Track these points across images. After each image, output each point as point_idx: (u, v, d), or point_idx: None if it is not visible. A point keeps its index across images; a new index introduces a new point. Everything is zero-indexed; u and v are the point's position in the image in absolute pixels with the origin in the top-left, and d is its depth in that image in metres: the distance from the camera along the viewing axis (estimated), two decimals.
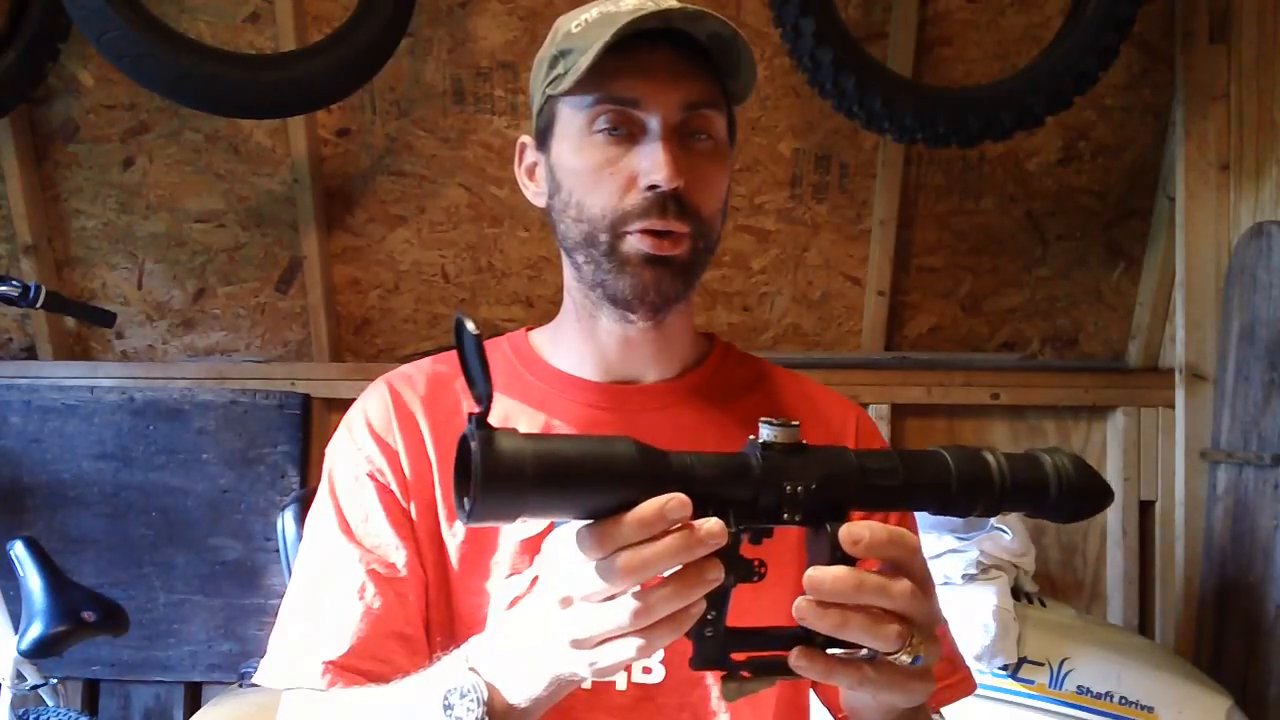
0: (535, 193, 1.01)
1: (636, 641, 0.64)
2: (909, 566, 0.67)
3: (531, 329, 1.05)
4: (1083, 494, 0.70)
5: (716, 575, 0.63)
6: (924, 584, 0.67)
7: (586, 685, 0.68)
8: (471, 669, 0.72)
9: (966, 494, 0.68)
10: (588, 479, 0.62)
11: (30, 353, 2.62)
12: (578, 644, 0.65)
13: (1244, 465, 2.25)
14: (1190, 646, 2.39)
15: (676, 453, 0.66)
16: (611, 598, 0.64)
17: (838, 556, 0.64)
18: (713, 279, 2.56)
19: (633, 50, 0.89)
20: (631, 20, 0.87)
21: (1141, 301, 2.61)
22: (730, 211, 2.68)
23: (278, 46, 2.33)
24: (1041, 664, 1.93)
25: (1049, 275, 2.61)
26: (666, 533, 0.62)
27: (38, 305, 1.96)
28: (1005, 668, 1.91)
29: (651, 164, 0.89)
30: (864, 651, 0.66)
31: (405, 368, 1.02)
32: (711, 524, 0.62)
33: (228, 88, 2.00)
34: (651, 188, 0.90)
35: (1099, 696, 1.91)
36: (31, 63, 2.25)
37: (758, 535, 0.67)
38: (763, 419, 0.67)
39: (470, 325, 0.62)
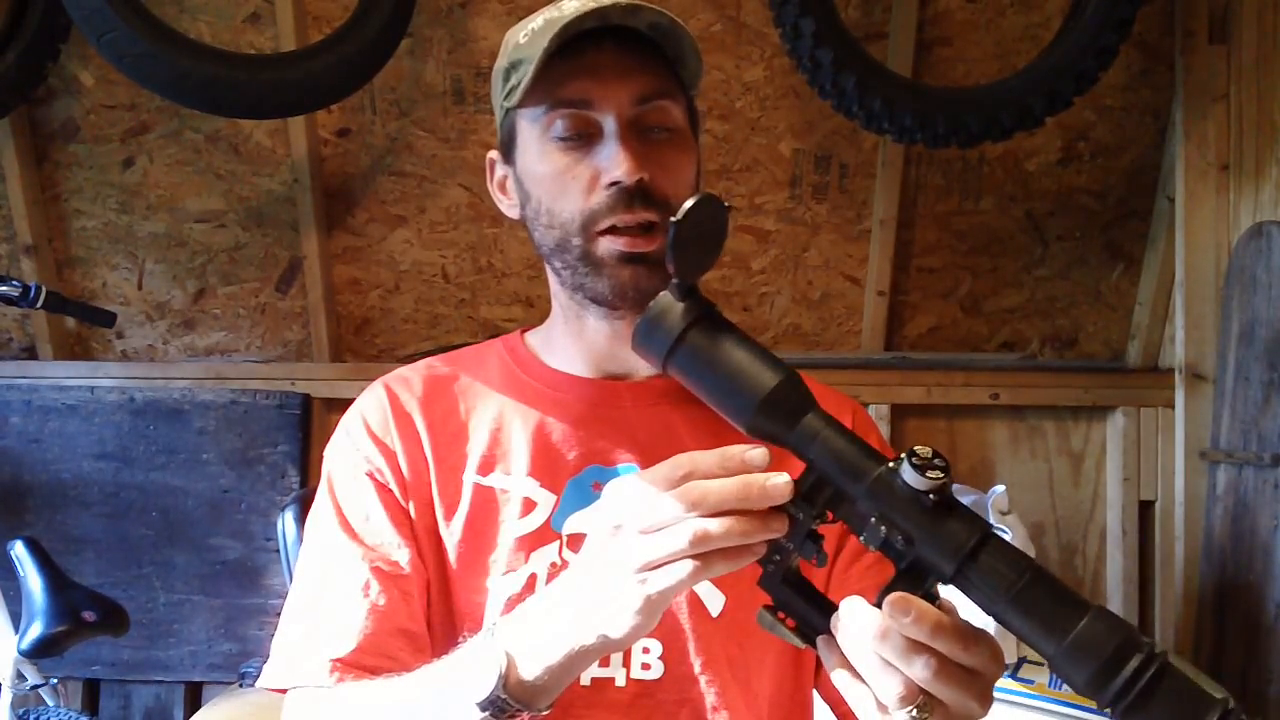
0: (509, 205, 1.02)
1: (690, 565, 0.65)
2: (958, 658, 0.63)
3: (527, 330, 1.07)
4: None
5: (780, 527, 0.65)
6: (970, 675, 0.63)
7: (619, 632, 0.68)
8: (493, 642, 0.73)
9: (1073, 661, 0.60)
10: (715, 379, 0.69)
11: (31, 353, 2.62)
12: (642, 565, 0.66)
13: (1244, 465, 2.25)
14: (1190, 646, 2.40)
15: (819, 411, 0.68)
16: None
17: (881, 602, 0.62)
18: (713, 279, 2.56)
19: (579, 52, 0.91)
20: (568, 24, 0.88)
21: (1141, 301, 2.61)
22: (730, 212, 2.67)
23: (278, 47, 2.34)
24: (1041, 664, 1.93)
25: (1049, 275, 2.61)
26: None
27: (38, 305, 1.97)
28: (1005, 667, 1.91)
29: (610, 161, 0.90)
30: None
31: (403, 369, 1.03)
32: (779, 480, 0.64)
33: (228, 88, 2.00)
34: (614, 184, 0.90)
35: None
36: (32, 63, 2.25)
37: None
38: (917, 445, 0.64)
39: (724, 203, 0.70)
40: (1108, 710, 0.60)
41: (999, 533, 0.63)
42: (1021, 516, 2.12)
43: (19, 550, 1.95)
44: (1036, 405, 2.60)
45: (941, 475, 0.61)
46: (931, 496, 0.62)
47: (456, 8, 2.38)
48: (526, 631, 0.73)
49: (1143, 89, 2.48)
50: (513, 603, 0.91)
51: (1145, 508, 2.58)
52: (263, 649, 0.93)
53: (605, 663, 0.91)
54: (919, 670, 0.62)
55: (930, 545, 0.62)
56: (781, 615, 0.67)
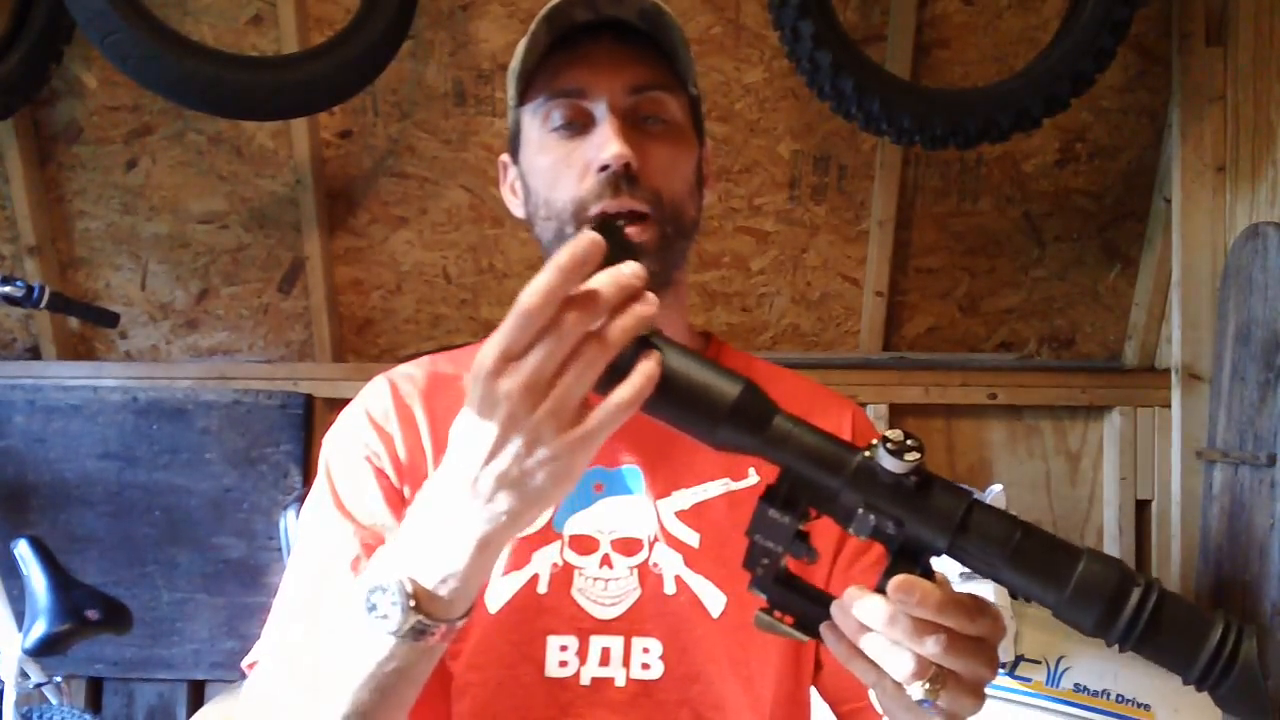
0: (517, 204, 1.03)
1: (568, 381, 0.61)
2: (965, 629, 0.63)
3: None
4: (1233, 693, 0.62)
5: (641, 273, 0.62)
6: (977, 643, 0.64)
7: (513, 511, 0.64)
8: (389, 564, 0.68)
9: (1078, 607, 0.62)
10: (679, 396, 0.64)
11: (34, 353, 2.63)
12: (523, 401, 0.61)
13: (1240, 465, 2.26)
14: None
15: (786, 414, 0.66)
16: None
17: (883, 587, 0.63)
18: (712, 279, 2.57)
19: (575, 46, 0.93)
20: (557, 9, 0.91)
21: (1138, 302, 2.62)
22: (729, 212, 2.70)
23: (280, 49, 2.34)
24: (1039, 662, 1.93)
25: (1046, 276, 2.62)
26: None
27: (42, 306, 1.97)
28: (1002, 665, 1.92)
29: (599, 146, 0.91)
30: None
31: (406, 365, 1.03)
32: (628, 268, 0.61)
33: (230, 90, 2.00)
34: (603, 169, 0.91)
35: (1096, 694, 1.91)
36: (35, 64, 2.25)
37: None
38: (889, 430, 0.64)
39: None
40: (1117, 646, 0.62)
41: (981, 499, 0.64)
42: (1019, 516, 2.12)
43: (23, 549, 1.95)
44: (1034, 405, 2.61)
45: (918, 455, 0.62)
46: (913, 478, 0.62)
47: (458, 10, 2.39)
48: (421, 545, 0.68)
49: (1140, 90, 2.49)
50: (514, 601, 0.91)
51: (1142, 507, 2.59)
52: None
53: (605, 662, 0.91)
54: (930, 647, 0.62)
55: (921, 524, 0.63)
56: (779, 614, 0.67)
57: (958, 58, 2.44)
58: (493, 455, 0.64)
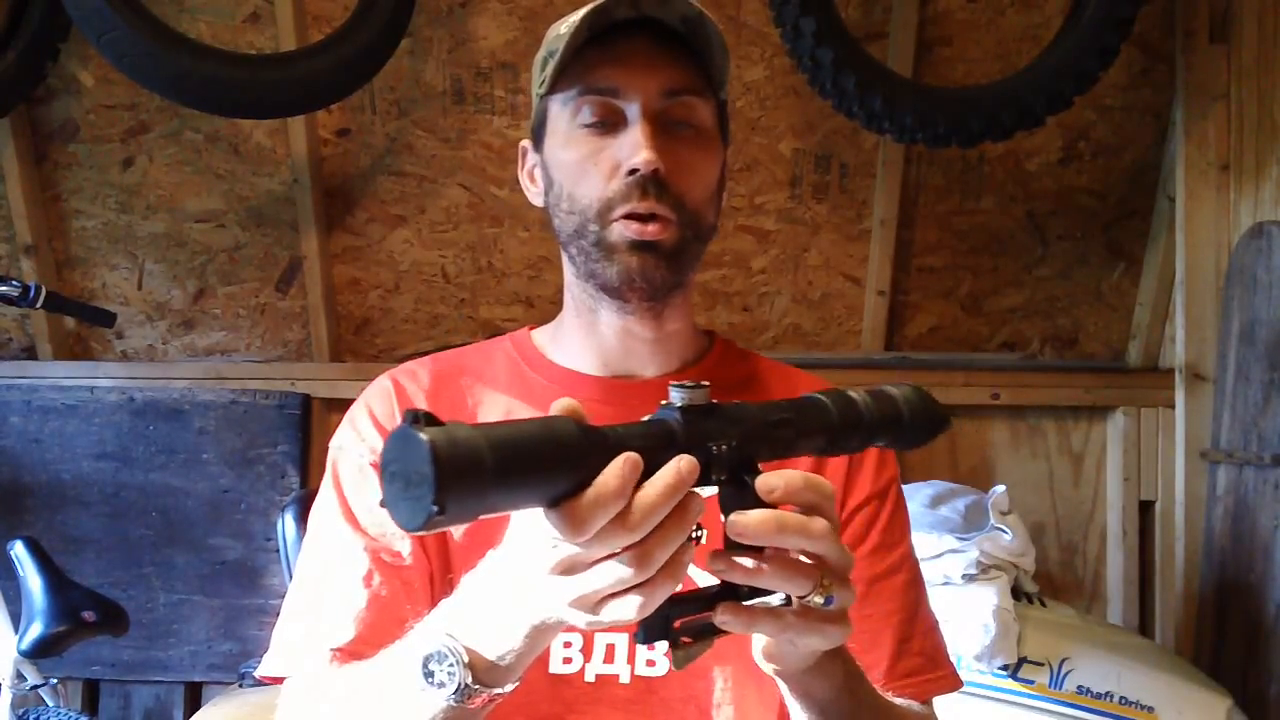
0: (535, 193, 1.03)
1: (636, 600, 0.62)
2: (823, 511, 0.67)
3: (534, 328, 1.06)
4: (926, 422, 0.77)
5: (700, 507, 0.62)
6: (835, 529, 0.67)
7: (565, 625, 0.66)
8: (448, 634, 0.70)
9: (846, 433, 0.73)
10: (544, 462, 0.58)
11: (30, 353, 2.62)
12: (579, 603, 0.63)
13: (1244, 465, 2.25)
14: (1190, 646, 2.39)
15: (608, 426, 0.64)
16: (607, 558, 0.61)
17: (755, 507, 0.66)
18: (713, 279, 2.56)
19: (611, 43, 0.93)
20: (600, 8, 0.90)
21: (1142, 301, 2.61)
22: (730, 211, 2.69)
23: (278, 46, 2.33)
24: (1042, 664, 1.92)
25: (1049, 275, 2.61)
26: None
27: (38, 305, 1.96)
28: (1005, 668, 1.91)
29: (630, 149, 0.92)
30: (777, 598, 0.67)
31: (409, 364, 1.03)
32: (686, 461, 0.62)
33: (228, 87, 2.00)
34: (632, 172, 0.91)
35: (1099, 696, 1.91)
36: (31, 62, 2.25)
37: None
38: (672, 383, 0.65)
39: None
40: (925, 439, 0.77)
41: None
42: (1022, 516, 2.12)
43: (19, 550, 1.94)
44: (1037, 405, 2.60)
45: (707, 382, 0.66)
46: (715, 403, 0.66)
47: (456, 8, 2.38)
48: (479, 622, 0.69)
49: (1143, 88, 2.48)
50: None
51: (1145, 508, 2.58)
52: (262, 649, 0.93)
53: (609, 659, 0.92)
54: (818, 531, 0.65)
55: (748, 435, 0.67)
56: (684, 640, 0.67)
57: (960, 55, 2.44)
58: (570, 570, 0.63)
